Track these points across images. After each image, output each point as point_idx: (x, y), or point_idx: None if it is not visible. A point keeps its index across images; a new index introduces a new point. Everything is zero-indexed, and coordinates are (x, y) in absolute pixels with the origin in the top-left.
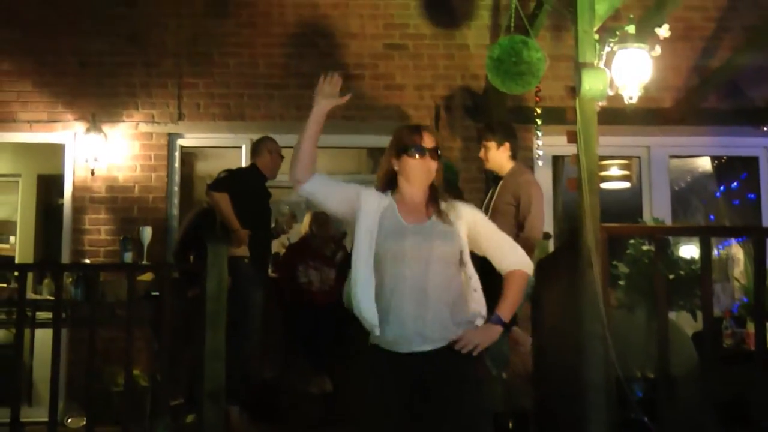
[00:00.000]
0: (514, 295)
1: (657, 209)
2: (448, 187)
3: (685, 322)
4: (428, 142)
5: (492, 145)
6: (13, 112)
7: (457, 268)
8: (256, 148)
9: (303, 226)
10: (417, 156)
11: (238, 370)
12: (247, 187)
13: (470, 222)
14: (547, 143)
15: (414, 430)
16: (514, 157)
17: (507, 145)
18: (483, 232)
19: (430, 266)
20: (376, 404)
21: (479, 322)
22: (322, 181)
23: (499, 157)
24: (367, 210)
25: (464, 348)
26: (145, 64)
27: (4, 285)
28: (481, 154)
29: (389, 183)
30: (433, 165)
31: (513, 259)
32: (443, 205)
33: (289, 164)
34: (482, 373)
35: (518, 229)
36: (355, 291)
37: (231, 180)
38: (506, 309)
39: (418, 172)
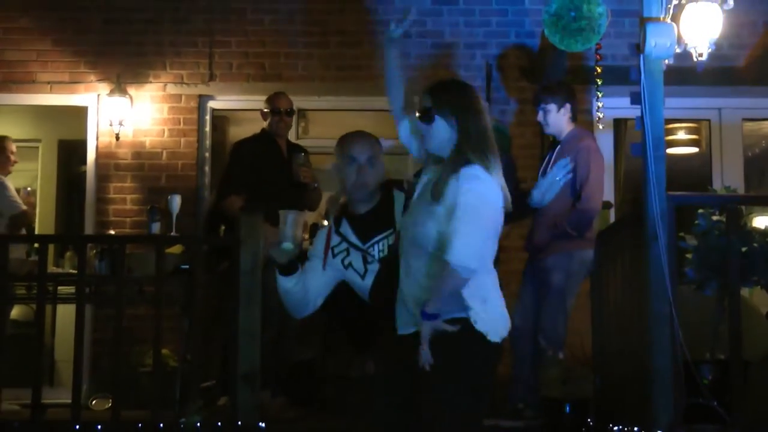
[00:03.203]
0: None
1: (728, 177)
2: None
3: (760, 299)
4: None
5: (552, 107)
6: (33, 72)
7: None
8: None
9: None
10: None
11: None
12: (250, 165)
13: (453, 199)
14: (608, 105)
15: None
16: (574, 120)
17: (568, 107)
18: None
19: (413, 247)
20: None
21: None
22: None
23: (559, 120)
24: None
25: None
26: (174, 20)
27: (25, 258)
28: (540, 117)
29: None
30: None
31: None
32: (443, 176)
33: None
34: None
35: (575, 199)
36: None
37: (231, 176)
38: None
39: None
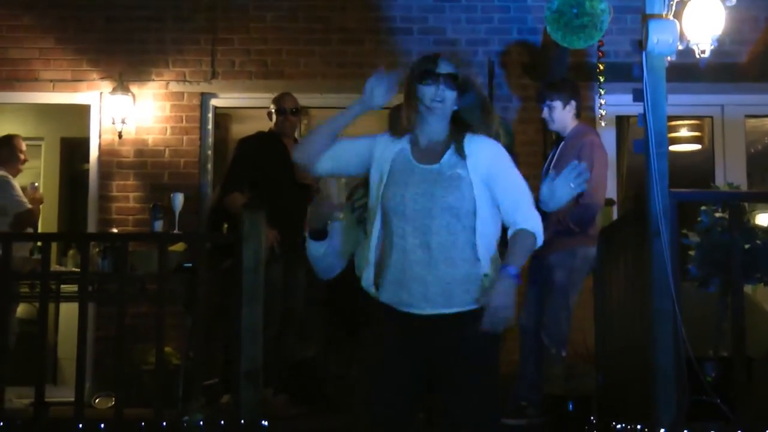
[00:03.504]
0: (521, 250)
1: (731, 173)
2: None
3: (763, 296)
4: (444, 67)
5: (558, 104)
6: (35, 70)
7: (468, 221)
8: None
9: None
10: (430, 83)
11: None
12: (254, 163)
13: (489, 162)
14: (610, 102)
15: (419, 397)
16: (577, 117)
17: (573, 104)
18: (502, 177)
19: (433, 220)
20: (378, 364)
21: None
22: (333, 154)
23: (564, 117)
24: (379, 157)
25: (490, 328)
26: (176, 18)
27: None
28: (545, 114)
29: (408, 123)
30: (450, 94)
31: (527, 217)
32: (461, 140)
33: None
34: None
35: (578, 195)
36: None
37: (233, 172)
38: (516, 259)
39: (432, 102)
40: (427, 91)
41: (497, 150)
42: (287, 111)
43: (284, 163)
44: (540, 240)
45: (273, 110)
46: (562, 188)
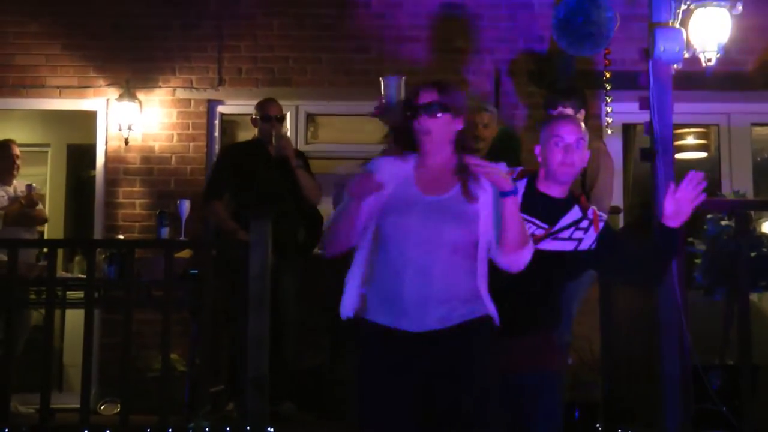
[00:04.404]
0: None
1: (737, 181)
2: (510, 158)
3: None
4: (426, 97)
5: (569, 112)
6: (42, 77)
7: (471, 259)
8: None
9: None
10: (411, 116)
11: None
12: (235, 170)
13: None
14: (617, 110)
15: (417, 413)
16: (585, 125)
17: (582, 112)
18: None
19: (439, 250)
20: (374, 388)
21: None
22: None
23: None
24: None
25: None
26: (183, 26)
27: (34, 262)
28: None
29: (408, 146)
30: (434, 122)
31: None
32: (472, 174)
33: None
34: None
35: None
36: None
37: (213, 180)
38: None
39: (419, 135)
40: (415, 125)
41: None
42: (272, 118)
43: (268, 170)
44: (528, 250)
45: (257, 117)
46: (685, 201)
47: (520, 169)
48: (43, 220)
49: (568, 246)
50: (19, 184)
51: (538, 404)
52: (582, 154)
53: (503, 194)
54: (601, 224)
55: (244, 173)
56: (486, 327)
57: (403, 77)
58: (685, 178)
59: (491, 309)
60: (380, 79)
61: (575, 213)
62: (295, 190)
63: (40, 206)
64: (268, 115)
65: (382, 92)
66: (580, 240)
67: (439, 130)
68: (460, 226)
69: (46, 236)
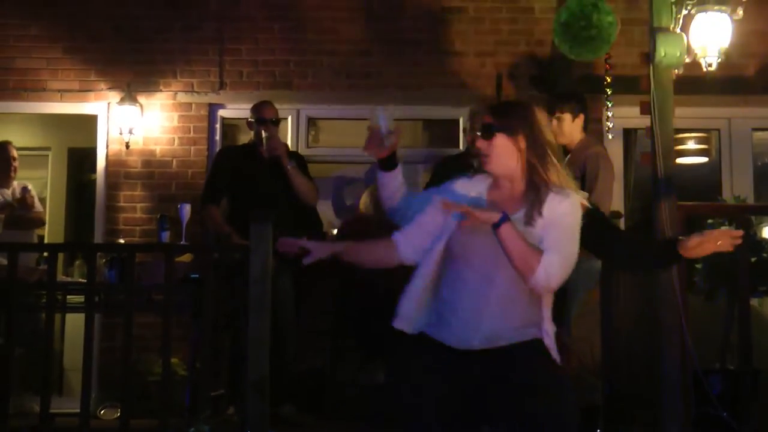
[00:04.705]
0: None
1: (738, 186)
2: None
3: None
4: (487, 119)
5: (567, 116)
6: (43, 80)
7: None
8: None
9: (362, 203)
10: (478, 138)
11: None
12: (230, 174)
13: (560, 216)
14: (618, 115)
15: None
16: (585, 129)
17: (582, 116)
18: (557, 228)
19: (498, 272)
20: (416, 398)
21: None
22: (409, 235)
23: (573, 129)
24: (452, 198)
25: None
26: (184, 29)
27: (35, 266)
28: (553, 126)
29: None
30: (489, 144)
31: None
32: (545, 197)
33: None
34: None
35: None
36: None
37: (208, 184)
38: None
39: (478, 158)
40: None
41: (574, 209)
42: (266, 121)
43: (264, 173)
44: (539, 275)
45: (252, 120)
46: (711, 246)
47: None
48: (41, 223)
49: None
50: (18, 186)
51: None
52: None
53: (494, 227)
54: None
55: (239, 176)
56: (534, 347)
57: (391, 107)
58: (728, 230)
59: (546, 337)
60: (372, 110)
61: None
62: (289, 192)
63: (38, 208)
64: (263, 118)
65: (375, 124)
66: None
67: (496, 151)
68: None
69: (46, 240)
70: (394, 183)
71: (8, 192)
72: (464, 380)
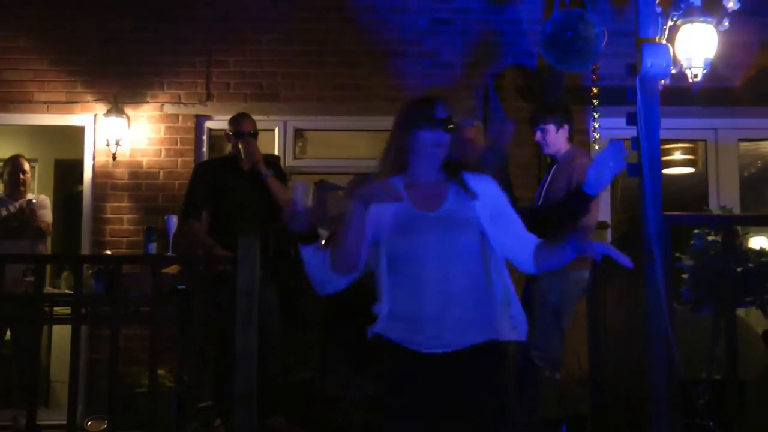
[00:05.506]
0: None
1: (724, 197)
2: (497, 173)
3: (756, 319)
4: (441, 113)
5: (551, 127)
6: (29, 92)
7: (482, 261)
8: None
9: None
10: (430, 128)
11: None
12: (208, 188)
13: (495, 199)
14: (605, 125)
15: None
16: (570, 140)
17: (566, 127)
18: (508, 211)
19: (451, 263)
20: (392, 404)
21: (514, 330)
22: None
23: (558, 140)
24: (375, 210)
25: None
26: (171, 40)
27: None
28: (538, 137)
29: (399, 165)
30: (447, 138)
31: (535, 240)
32: (463, 180)
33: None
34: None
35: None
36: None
37: (190, 198)
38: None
39: (433, 148)
40: (428, 137)
41: (497, 186)
42: (244, 134)
43: (242, 186)
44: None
45: (230, 132)
46: (606, 169)
47: None
48: (41, 232)
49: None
50: (33, 198)
51: None
52: None
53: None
54: None
55: (217, 189)
56: (498, 351)
57: (311, 185)
58: (608, 145)
59: (506, 335)
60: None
61: None
62: (270, 203)
63: (42, 219)
64: (240, 131)
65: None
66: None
67: (446, 145)
68: (466, 233)
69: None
70: (313, 261)
71: (16, 205)
72: (435, 387)
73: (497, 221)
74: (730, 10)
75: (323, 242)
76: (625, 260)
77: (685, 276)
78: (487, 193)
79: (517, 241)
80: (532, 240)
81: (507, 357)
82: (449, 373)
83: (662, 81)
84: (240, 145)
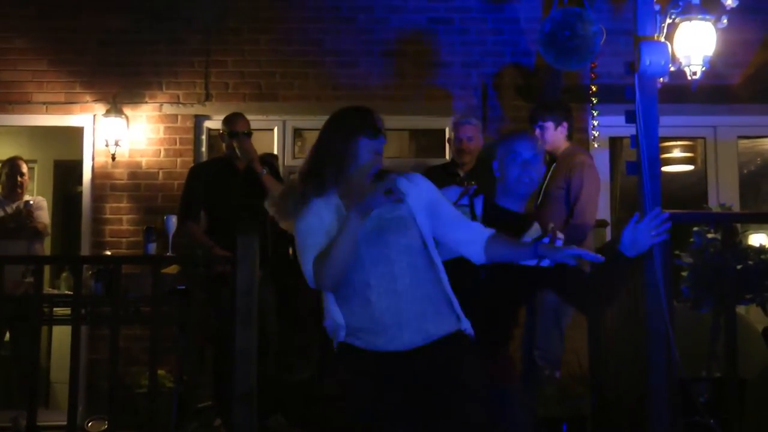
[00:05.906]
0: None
1: (724, 194)
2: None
3: (755, 316)
4: (380, 122)
5: (550, 125)
6: (28, 93)
7: (424, 256)
8: None
9: None
10: (373, 138)
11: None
12: (204, 190)
13: (428, 195)
14: (603, 123)
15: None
16: (569, 138)
17: (565, 125)
18: (442, 205)
19: (393, 263)
20: (363, 406)
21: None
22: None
23: (557, 138)
24: (320, 223)
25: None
26: (170, 41)
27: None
28: (537, 135)
29: (341, 172)
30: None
31: (479, 227)
32: (391, 182)
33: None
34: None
35: (568, 215)
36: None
37: (184, 202)
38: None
39: (376, 156)
40: (370, 145)
41: (428, 182)
42: (238, 134)
43: (238, 186)
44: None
45: (224, 132)
46: (644, 235)
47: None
48: (38, 233)
49: (531, 262)
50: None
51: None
52: (539, 168)
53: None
54: (559, 243)
55: (213, 190)
56: (463, 340)
57: None
58: (649, 213)
59: (464, 322)
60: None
61: (536, 230)
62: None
63: (40, 220)
64: (234, 131)
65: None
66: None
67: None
68: (402, 232)
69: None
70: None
71: (13, 206)
72: (405, 384)
73: (434, 213)
74: (728, 8)
75: None
76: (596, 257)
77: (684, 274)
78: (417, 189)
79: (460, 230)
80: (479, 230)
81: (470, 344)
82: (415, 369)
83: (661, 79)
84: (234, 145)
